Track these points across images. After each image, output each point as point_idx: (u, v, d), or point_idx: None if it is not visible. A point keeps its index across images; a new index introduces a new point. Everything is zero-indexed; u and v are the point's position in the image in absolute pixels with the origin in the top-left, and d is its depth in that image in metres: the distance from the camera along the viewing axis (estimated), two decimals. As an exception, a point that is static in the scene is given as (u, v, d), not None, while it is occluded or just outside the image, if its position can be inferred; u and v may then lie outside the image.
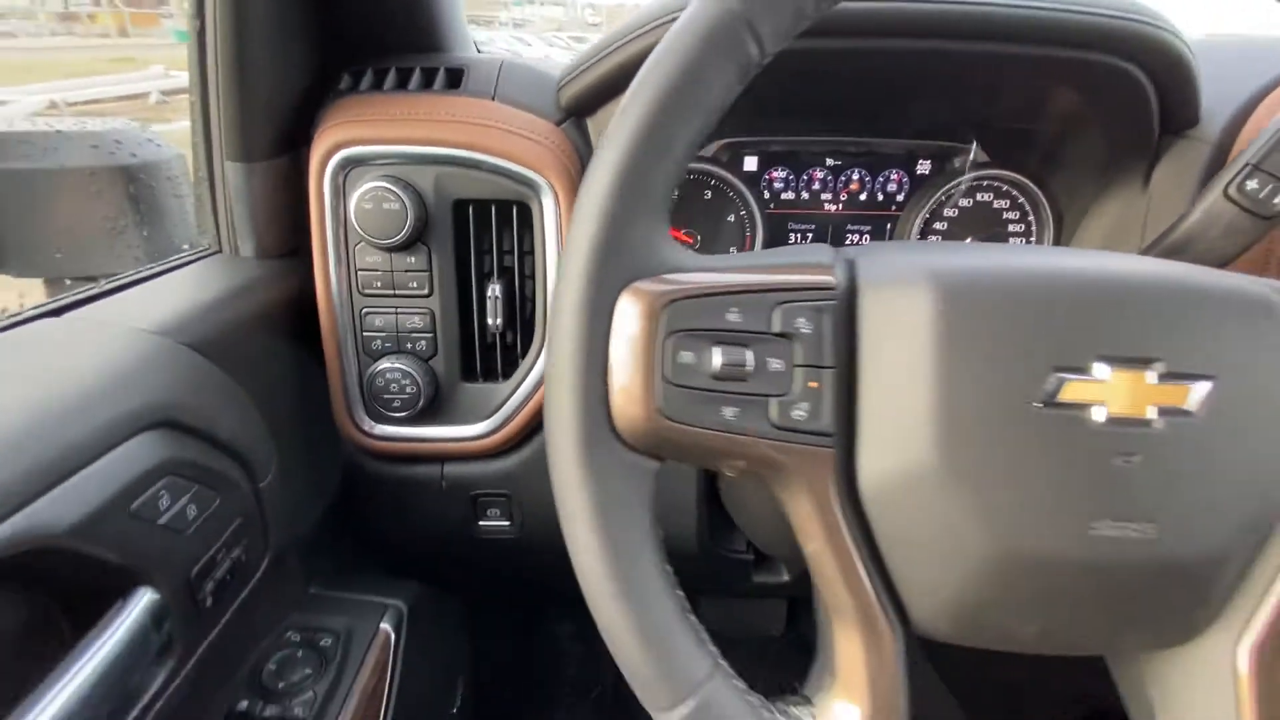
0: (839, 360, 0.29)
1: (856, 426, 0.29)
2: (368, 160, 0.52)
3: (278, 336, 0.54)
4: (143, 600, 0.34)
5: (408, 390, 0.55)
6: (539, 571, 0.68)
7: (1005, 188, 0.67)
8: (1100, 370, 0.27)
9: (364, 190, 0.51)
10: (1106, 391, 0.27)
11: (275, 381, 0.52)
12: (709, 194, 0.67)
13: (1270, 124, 0.47)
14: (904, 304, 0.29)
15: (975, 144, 0.66)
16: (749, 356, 0.28)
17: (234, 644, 0.50)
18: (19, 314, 0.41)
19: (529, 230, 0.55)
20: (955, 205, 0.68)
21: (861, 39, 0.49)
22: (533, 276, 0.57)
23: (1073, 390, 0.27)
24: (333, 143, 0.52)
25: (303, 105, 0.54)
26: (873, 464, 0.29)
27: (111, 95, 5.00)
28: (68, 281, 0.56)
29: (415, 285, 0.54)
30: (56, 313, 0.41)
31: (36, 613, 0.32)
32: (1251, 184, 0.46)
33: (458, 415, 0.58)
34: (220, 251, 0.56)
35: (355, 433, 0.58)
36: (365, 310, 0.55)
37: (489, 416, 0.58)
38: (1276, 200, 0.46)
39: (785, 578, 0.73)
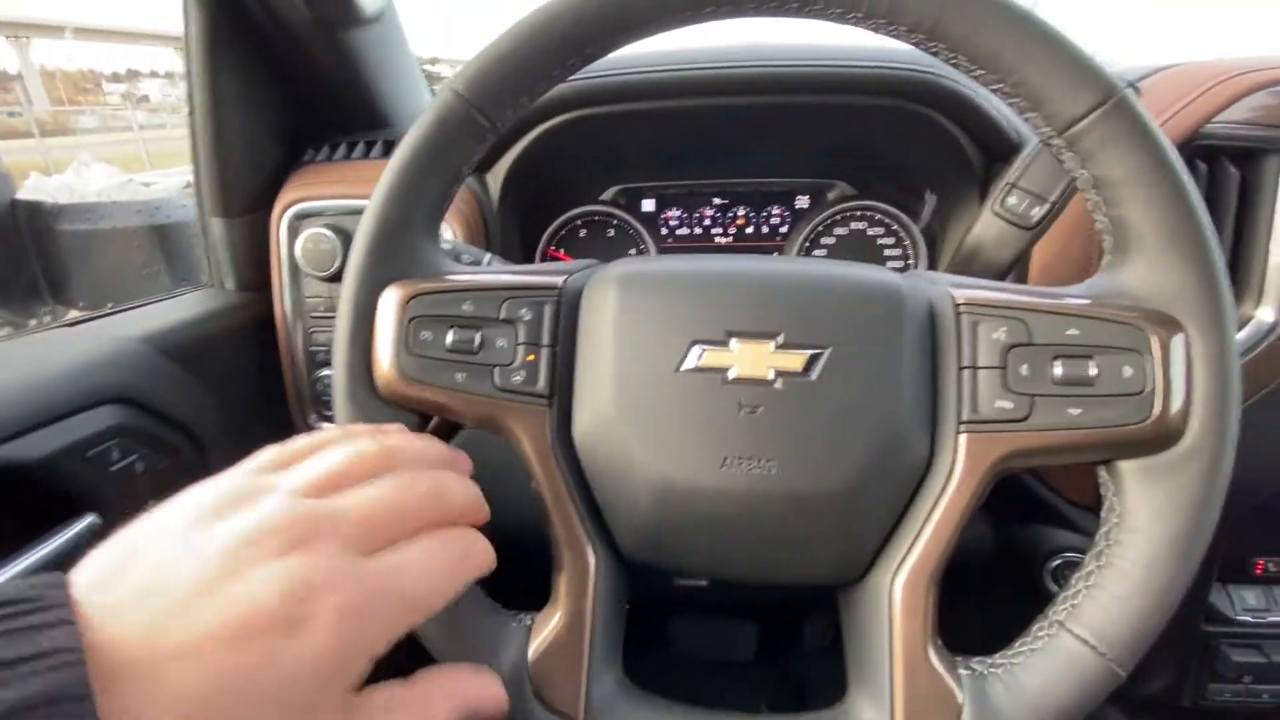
0: (554, 340, 0.36)
1: (573, 389, 0.36)
2: (314, 213, 0.68)
3: (246, 349, 0.69)
4: (85, 521, 0.47)
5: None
6: None
7: (877, 216, 0.74)
8: (733, 344, 0.34)
9: (307, 235, 0.66)
10: (735, 359, 0.34)
11: (238, 382, 0.67)
12: (611, 232, 0.78)
13: (1028, 146, 0.53)
14: (600, 298, 0.37)
15: (841, 179, 0.74)
16: (477, 336, 0.36)
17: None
18: (46, 325, 0.57)
19: None
20: (832, 234, 0.75)
21: (678, 99, 0.60)
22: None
23: (709, 357, 0.34)
24: (289, 200, 0.68)
25: (275, 172, 0.71)
26: (581, 417, 0.36)
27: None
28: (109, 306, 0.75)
29: None
30: (72, 324, 0.58)
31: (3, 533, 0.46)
32: (1012, 200, 0.52)
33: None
34: (211, 285, 0.72)
35: (304, 428, 0.71)
36: (311, 329, 0.69)
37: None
38: (1034, 213, 0.52)
39: (704, 581, 0.79)
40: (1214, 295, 0.31)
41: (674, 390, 0.34)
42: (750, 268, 0.37)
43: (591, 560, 0.35)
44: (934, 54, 0.34)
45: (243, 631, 0.20)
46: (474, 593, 0.37)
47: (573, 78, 0.38)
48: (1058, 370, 0.32)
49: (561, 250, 0.78)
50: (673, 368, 0.34)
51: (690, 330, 0.34)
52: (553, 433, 0.36)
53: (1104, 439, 0.32)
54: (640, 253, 0.78)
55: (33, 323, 0.72)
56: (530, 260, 0.78)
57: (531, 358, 0.36)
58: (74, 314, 0.72)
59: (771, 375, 0.34)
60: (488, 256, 0.52)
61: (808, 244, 0.76)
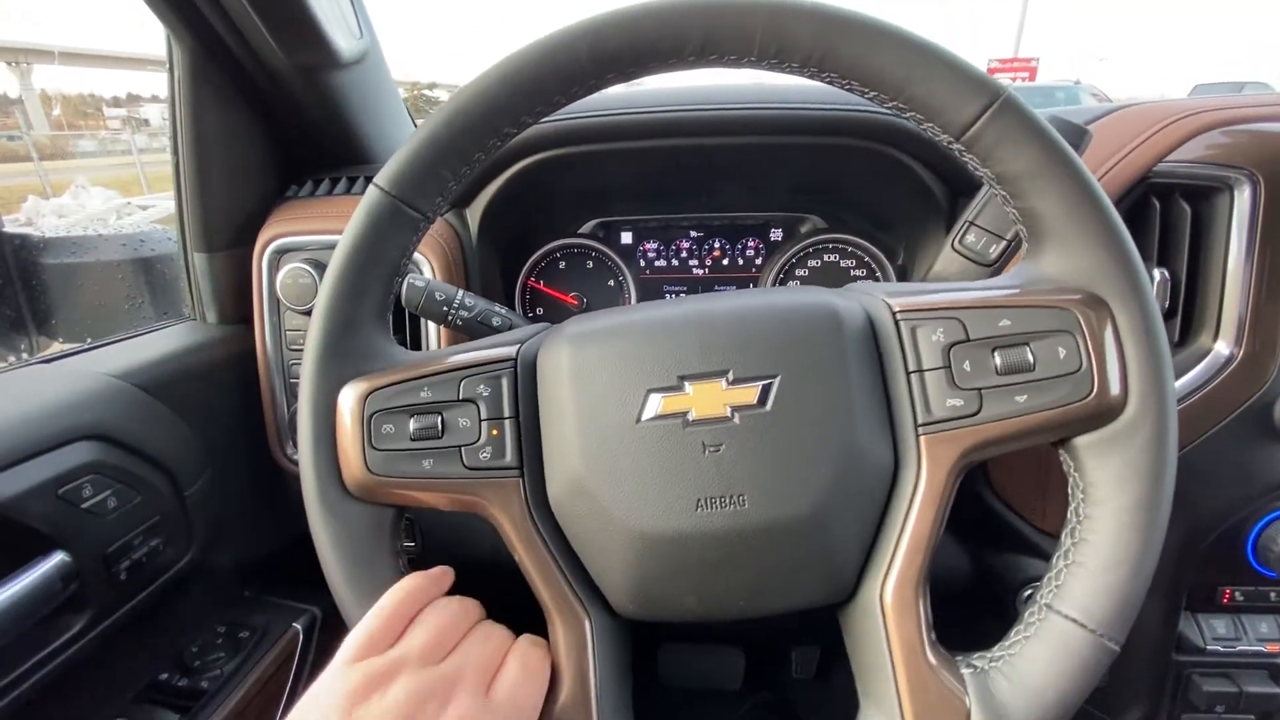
0: (516, 410, 0.36)
1: (542, 456, 0.36)
2: (295, 248, 0.69)
3: (226, 383, 0.70)
4: (55, 559, 0.48)
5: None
6: None
7: (848, 248, 0.76)
8: (687, 386, 0.34)
9: (287, 270, 0.67)
10: (690, 401, 0.34)
11: (218, 416, 0.68)
12: (590, 264, 0.79)
13: (983, 189, 0.55)
14: (554, 361, 0.37)
15: (813, 213, 0.76)
16: (439, 420, 0.36)
17: (161, 626, 0.63)
18: (24, 362, 0.58)
19: None
20: (805, 266, 0.77)
21: (653, 140, 0.61)
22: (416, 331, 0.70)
23: (667, 404, 0.34)
24: (270, 236, 0.69)
25: (258, 207, 0.72)
26: (553, 482, 0.36)
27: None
28: (88, 339, 0.75)
29: None
30: (48, 361, 0.58)
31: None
32: (970, 238, 0.54)
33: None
34: (193, 318, 0.73)
35: (284, 460, 0.72)
36: (290, 361, 0.70)
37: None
38: (992, 251, 0.53)
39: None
40: (1128, 268, 0.33)
41: (639, 441, 0.34)
42: (692, 309, 0.37)
43: (587, 625, 0.35)
44: (829, 84, 0.35)
45: None
46: None
47: (549, 118, 0.38)
48: (998, 361, 0.33)
49: (541, 282, 0.80)
50: (634, 419, 0.34)
51: (644, 380, 0.35)
52: (527, 502, 0.36)
53: (1054, 420, 0.33)
54: (619, 284, 0.79)
55: (11, 358, 0.73)
56: (511, 292, 0.79)
57: (495, 432, 0.36)
58: (55, 347, 0.73)
59: (729, 412, 0.34)
60: (460, 293, 0.53)
61: (782, 275, 0.77)
